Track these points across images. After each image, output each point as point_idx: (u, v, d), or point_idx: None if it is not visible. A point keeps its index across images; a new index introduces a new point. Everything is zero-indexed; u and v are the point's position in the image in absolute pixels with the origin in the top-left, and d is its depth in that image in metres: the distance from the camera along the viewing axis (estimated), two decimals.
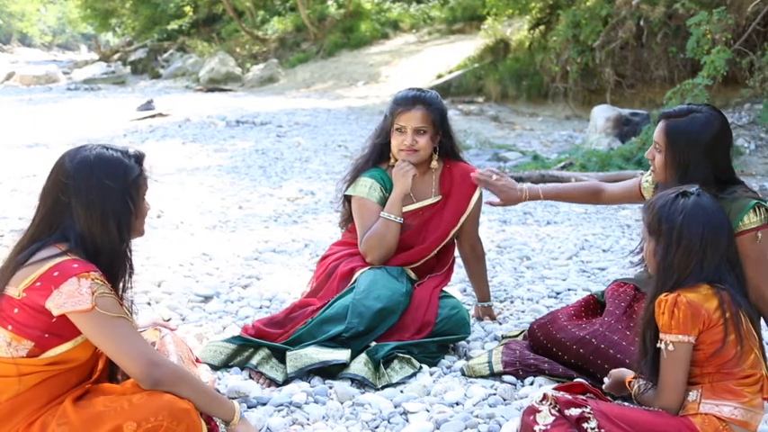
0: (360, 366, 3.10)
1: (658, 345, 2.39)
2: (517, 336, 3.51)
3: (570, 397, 2.40)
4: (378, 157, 3.68)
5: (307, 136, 11.10)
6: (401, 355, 3.22)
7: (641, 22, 11.28)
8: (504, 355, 3.23)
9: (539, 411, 2.37)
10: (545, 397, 2.41)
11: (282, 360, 3.17)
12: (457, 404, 2.94)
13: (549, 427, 2.32)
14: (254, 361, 3.16)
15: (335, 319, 3.27)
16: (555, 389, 2.53)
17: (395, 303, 3.35)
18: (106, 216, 2.31)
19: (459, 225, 3.66)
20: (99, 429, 2.17)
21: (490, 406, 2.92)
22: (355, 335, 3.23)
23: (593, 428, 2.28)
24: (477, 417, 2.81)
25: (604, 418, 2.30)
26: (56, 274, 2.21)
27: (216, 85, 20.34)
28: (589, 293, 3.51)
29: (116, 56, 29.40)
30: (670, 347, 2.35)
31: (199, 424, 2.29)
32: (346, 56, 21.34)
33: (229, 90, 19.53)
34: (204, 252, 5.01)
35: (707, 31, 8.16)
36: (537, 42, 14.30)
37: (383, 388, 3.06)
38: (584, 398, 2.42)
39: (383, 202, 3.59)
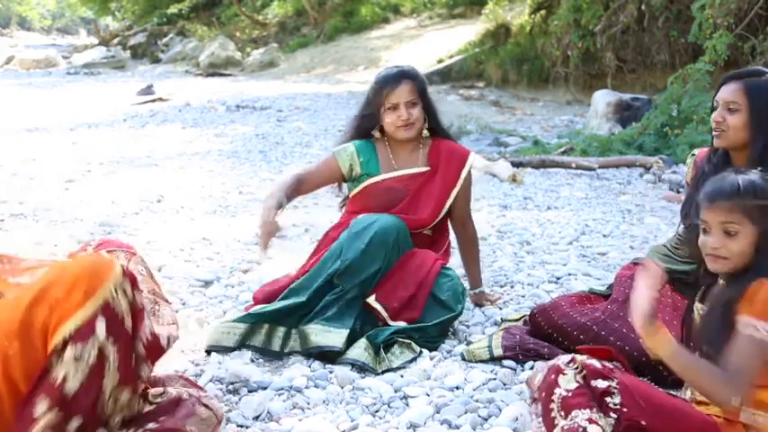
0: (360, 351, 3.11)
1: (744, 331, 2.10)
2: (517, 320, 3.51)
3: (600, 366, 2.20)
4: (360, 135, 3.76)
5: (307, 120, 11.08)
6: (401, 339, 3.23)
7: (643, 7, 11.25)
8: (504, 339, 3.23)
9: (564, 373, 2.20)
10: (573, 360, 2.23)
11: (288, 334, 3.23)
12: (457, 388, 2.95)
13: (570, 393, 2.16)
14: (259, 342, 3.21)
15: (332, 258, 3.36)
16: (581, 350, 2.33)
17: (390, 221, 3.42)
18: None
19: (451, 199, 3.69)
20: None
21: (490, 390, 2.92)
22: (353, 262, 3.28)
23: (615, 404, 2.13)
24: (477, 401, 2.81)
25: (629, 396, 2.14)
26: None
27: (216, 69, 20.29)
28: (589, 291, 3.49)
29: (116, 40, 29.19)
30: (760, 335, 2.08)
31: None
32: (346, 40, 21.27)
33: (229, 75, 19.49)
34: (204, 237, 5.01)
35: (710, 15, 8.13)
36: (538, 27, 14.26)
37: (383, 372, 3.06)
38: (611, 366, 2.24)
39: (347, 168, 3.67)
